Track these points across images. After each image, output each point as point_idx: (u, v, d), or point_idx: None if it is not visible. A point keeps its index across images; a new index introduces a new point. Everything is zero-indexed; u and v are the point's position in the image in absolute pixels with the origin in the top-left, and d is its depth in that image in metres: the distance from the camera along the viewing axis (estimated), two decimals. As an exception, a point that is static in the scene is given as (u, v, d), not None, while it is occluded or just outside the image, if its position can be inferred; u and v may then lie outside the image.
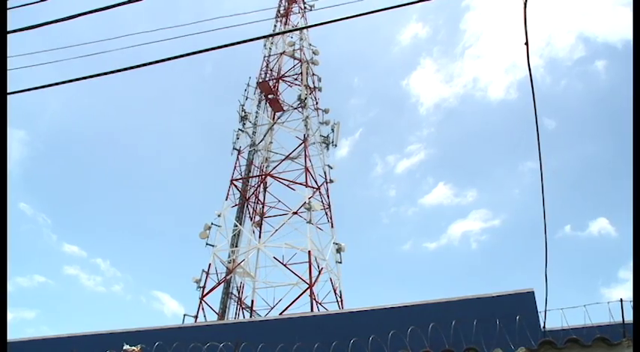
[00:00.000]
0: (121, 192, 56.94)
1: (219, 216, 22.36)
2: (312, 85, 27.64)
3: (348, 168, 58.37)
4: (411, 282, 54.83)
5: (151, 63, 5.73)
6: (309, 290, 19.27)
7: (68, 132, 58.13)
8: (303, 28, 30.42)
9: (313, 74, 28.32)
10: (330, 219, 23.19)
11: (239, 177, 24.38)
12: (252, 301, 21.98)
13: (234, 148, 25.39)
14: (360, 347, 7.63)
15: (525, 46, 5.94)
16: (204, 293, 20.42)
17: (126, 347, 9.36)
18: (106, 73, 5.94)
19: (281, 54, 29.16)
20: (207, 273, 20.86)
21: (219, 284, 20.94)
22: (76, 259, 55.28)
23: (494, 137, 58.46)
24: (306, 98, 25.95)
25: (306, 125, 25.42)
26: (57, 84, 5.92)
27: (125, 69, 5.85)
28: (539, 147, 6.48)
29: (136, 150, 57.54)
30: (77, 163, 56.10)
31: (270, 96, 26.69)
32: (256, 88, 27.27)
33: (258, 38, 5.88)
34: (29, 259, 53.97)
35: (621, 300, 7.27)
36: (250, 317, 20.85)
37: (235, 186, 23.86)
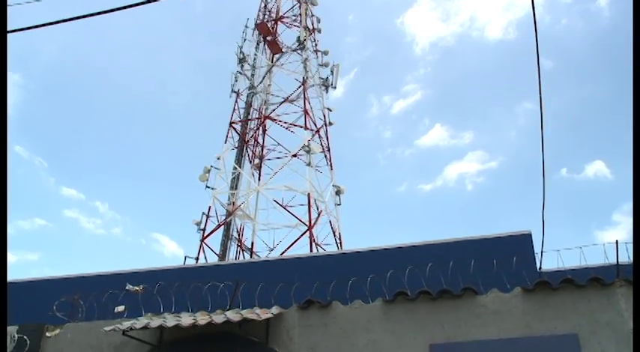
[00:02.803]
0: (119, 133, 56.63)
1: (218, 158, 22.39)
2: (311, 27, 27.10)
3: (343, 109, 57.83)
4: (408, 224, 55.39)
5: (145, 2, 5.58)
6: (308, 232, 19.51)
7: (63, 74, 57.45)
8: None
9: (312, 15, 27.72)
10: (330, 161, 23.24)
11: (238, 119, 24.26)
12: (252, 243, 22.26)
13: (232, 91, 25.15)
14: (358, 286, 7.77)
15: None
16: (205, 235, 20.68)
17: (129, 287, 9.55)
18: (100, 13, 5.80)
19: (279, -7, 28.46)
20: (208, 216, 21.06)
21: (219, 226, 21.16)
22: (75, 202, 55.66)
23: (492, 78, 57.83)
24: (305, 40, 25.51)
25: (305, 67, 25.08)
26: (52, 23, 5.79)
27: (119, 9, 5.71)
28: (540, 90, 6.40)
29: (133, 90, 56.87)
30: (73, 105, 55.50)
31: (268, 37, 26.21)
32: (254, 29, 26.75)
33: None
34: (28, 202, 54.30)
35: (616, 242, 7.37)
36: (250, 258, 21.17)
37: (234, 128, 23.77)
